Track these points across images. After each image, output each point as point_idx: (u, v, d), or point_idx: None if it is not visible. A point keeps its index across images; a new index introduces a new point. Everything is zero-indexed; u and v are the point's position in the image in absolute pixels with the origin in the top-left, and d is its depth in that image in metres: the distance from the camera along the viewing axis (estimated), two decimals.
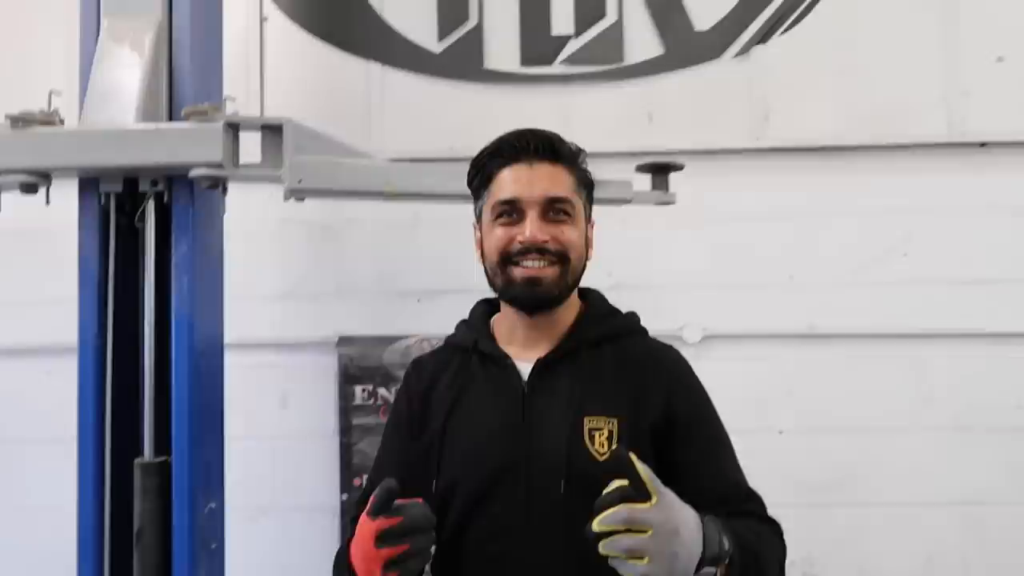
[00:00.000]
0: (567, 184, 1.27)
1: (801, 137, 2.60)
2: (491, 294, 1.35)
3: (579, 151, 1.31)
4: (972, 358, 2.57)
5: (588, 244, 1.31)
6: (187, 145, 1.78)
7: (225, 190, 1.91)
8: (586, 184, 1.32)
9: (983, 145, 2.57)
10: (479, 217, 1.34)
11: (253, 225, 2.51)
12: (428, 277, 2.68)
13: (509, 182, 1.26)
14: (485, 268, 1.31)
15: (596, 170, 2.22)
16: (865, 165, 2.59)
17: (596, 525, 0.98)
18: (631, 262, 2.64)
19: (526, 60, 2.65)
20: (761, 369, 2.61)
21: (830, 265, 2.61)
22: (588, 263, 1.31)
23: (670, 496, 1.03)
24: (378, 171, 1.90)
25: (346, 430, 2.64)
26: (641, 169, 2.14)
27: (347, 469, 2.63)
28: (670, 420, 1.26)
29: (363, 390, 2.65)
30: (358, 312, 2.67)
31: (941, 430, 2.58)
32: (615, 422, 1.23)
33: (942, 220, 2.57)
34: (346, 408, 2.64)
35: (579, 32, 2.68)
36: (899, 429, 2.60)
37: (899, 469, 2.60)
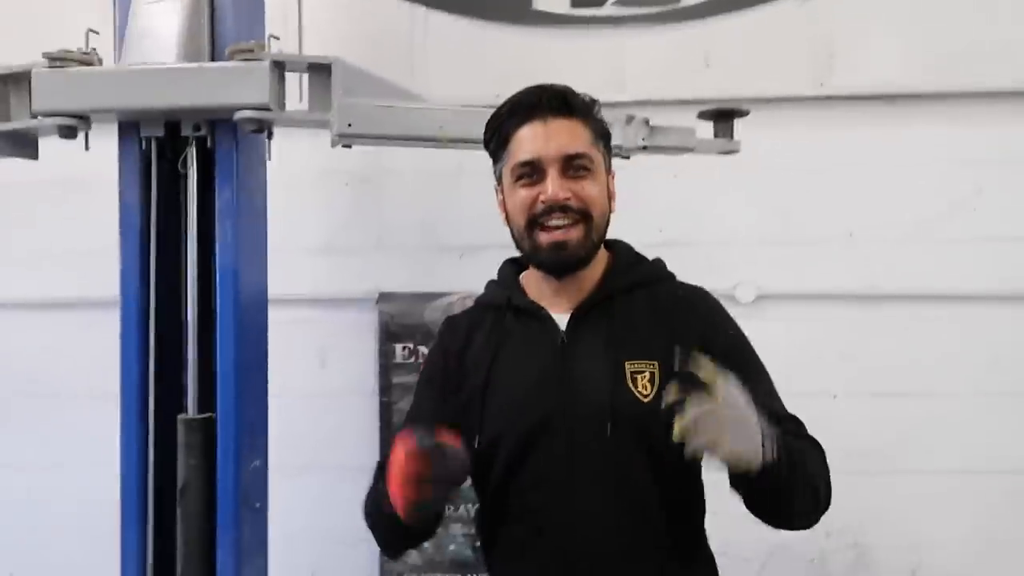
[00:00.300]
0: (584, 138, 1.26)
1: (867, 84, 2.46)
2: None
3: (593, 102, 1.30)
4: None
5: (611, 196, 1.32)
6: (232, 85, 1.68)
7: (271, 135, 1.82)
8: (603, 135, 1.32)
9: None
10: (500, 179, 1.35)
11: (290, 176, 2.40)
12: (471, 231, 2.58)
13: (526, 142, 1.26)
14: (511, 230, 1.32)
15: (652, 117, 2.12)
16: (935, 114, 2.45)
17: (676, 435, 1.02)
18: (682, 217, 2.53)
19: (577, 1, 2.51)
20: (817, 330, 2.51)
21: (894, 221, 2.49)
22: (612, 215, 1.30)
23: (730, 387, 1.06)
24: (431, 116, 1.80)
25: (386, 389, 2.58)
26: (704, 116, 2.01)
27: (387, 429, 2.57)
28: (708, 353, 1.25)
29: (404, 348, 2.58)
30: (399, 267, 2.59)
31: (1005, 396, 2.48)
32: (656, 364, 1.24)
33: (1015, 174, 2.44)
34: (386, 366, 2.58)
35: None
36: (961, 395, 2.49)
37: (960, 437, 2.50)
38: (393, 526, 1.19)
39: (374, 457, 2.55)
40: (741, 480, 1.11)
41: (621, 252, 1.38)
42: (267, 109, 1.69)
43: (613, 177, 1.34)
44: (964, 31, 2.47)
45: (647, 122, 1.98)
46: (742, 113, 1.99)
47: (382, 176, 2.58)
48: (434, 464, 1.04)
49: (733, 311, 2.62)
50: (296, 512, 2.45)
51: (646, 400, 1.22)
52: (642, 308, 1.31)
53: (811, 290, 2.51)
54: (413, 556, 2.51)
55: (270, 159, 1.90)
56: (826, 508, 1.26)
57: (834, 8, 2.49)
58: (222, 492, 1.79)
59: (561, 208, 1.23)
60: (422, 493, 1.06)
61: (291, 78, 1.78)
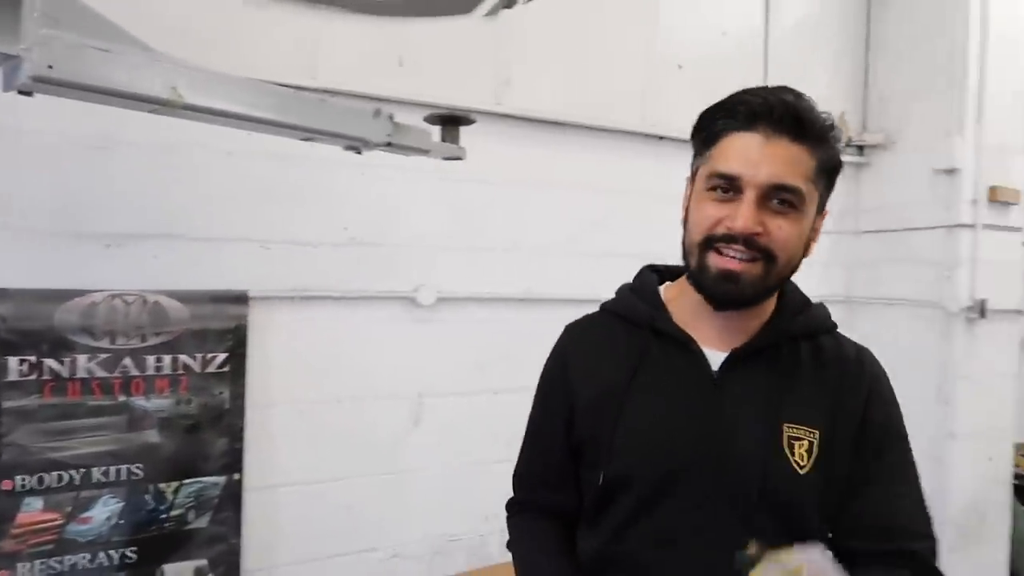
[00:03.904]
0: (804, 170, 1.07)
1: (536, 109, 2.67)
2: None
3: (831, 126, 1.10)
4: None
5: (810, 241, 1.14)
6: None
7: None
8: (830, 168, 1.12)
9: (661, 138, 2.96)
10: (693, 175, 1.17)
11: None
12: (122, 216, 2.11)
13: (735, 153, 1.07)
14: (683, 237, 1.16)
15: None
16: (582, 143, 2.78)
17: None
18: (369, 217, 2.45)
19: None
20: (485, 331, 2.65)
21: (548, 234, 2.75)
22: (801, 262, 1.14)
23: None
24: (165, 72, 1.42)
25: None
26: (431, 120, 1.97)
27: None
28: (863, 430, 1.14)
29: (22, 362, 1.98)
30: (19, 255, 1.98)
31: None
32: (816, 434, 1.11)
33: (632, 202, 2.90)
34: None
35: None
36: None
37: None
38: None
39: None
40: None
41: (790, 294, 1.21)
42: None
43: (823, 218, 1.15)
44: (602, 76, 2.85)
45: (392, 118, 1.87)
46: (469, 121, 2.00)
47: (4, 135, 1.94)
48: None
49: (414, 313, 2.62)
50: None
51: (802, 472, 1.07)
52: (807, 362, 1.16)
53: (481, 293, 2.64)
54: None
55: None
56: None
57: (513, 34, 2.64)
58: None
59: (744, 241, 1.06)
60: None
61: None
